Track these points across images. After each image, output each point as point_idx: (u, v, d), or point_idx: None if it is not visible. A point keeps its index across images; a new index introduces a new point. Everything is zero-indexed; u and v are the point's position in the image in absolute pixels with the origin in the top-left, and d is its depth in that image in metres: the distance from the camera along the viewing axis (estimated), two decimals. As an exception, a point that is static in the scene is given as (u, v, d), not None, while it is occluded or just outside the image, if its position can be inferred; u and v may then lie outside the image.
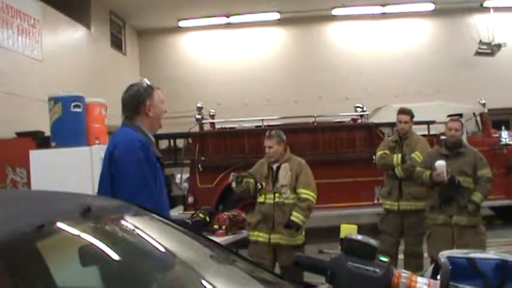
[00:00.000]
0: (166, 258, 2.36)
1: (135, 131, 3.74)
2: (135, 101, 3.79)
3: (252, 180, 6.20)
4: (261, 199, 6.11)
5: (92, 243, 2.14)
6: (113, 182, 3.65)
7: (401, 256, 7.17)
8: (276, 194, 5.99)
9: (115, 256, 2.17)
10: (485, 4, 18.05)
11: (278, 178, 5.99)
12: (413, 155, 6.99)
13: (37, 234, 1.79)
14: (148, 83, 3.87)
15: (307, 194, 5.92)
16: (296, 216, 5.83)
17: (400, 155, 7.06)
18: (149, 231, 2.46)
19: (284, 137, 6.12)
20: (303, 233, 6.05)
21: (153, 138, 3.85)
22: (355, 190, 10.75)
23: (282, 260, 6.01)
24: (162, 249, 2.39)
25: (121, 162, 3.64)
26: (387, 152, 7.22)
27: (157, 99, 3.80)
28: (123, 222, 2.43)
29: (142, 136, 3.72)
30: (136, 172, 3.57)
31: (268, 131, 6.30)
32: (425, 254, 6.96)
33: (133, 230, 2.40)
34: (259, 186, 6.13)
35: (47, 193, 2.51)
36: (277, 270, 5.97)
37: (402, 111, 7.25)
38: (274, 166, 6.06)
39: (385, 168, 7.33)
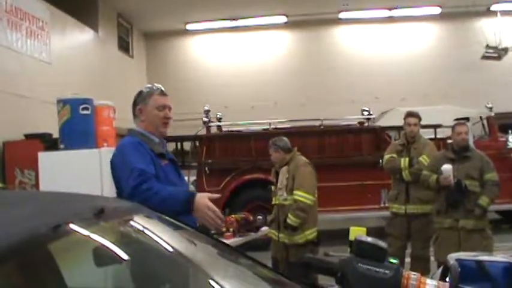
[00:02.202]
0: (178, 259, 2.39)
1: (133, 136, 3.80)
2: (133, 105, 3.91)
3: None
4: (272, 201, 6.62)
5: (106, 244, 2.17)
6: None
7: (407, 259, 7.18)
8: (277, 197, 6.42)
9: (128, 257, 2.20)
10: (492, 8, 18.03)
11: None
12: (420, 158, 7.00)
13: (53, 234, 1.82)
14: (155, 86, 3.90)
15: (297, 195, 6.18)
16: (289, 218, 6.16)
17: (407, 159, 7.07)
18: (161, 233, 2.48)
19: (281, 143, 6.49)
20: (306, 232, 6.28)
21: (156, 140, 3.82)
22: (362, 193, 10.75)
23: (289, 256, 6.36)
24: (174, 250, 2.42)
25: (113, 162, 3.73)
26: (394, 155, 7.23)
27: (152, 105, 3.80)
28: (135, 223, 2.46)
29: (140, 138, 3.74)
30: (125, 162, 3.59)
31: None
32: (432, 258, 6.98)
33: (146, 231, 2.42)
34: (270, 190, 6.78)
35: (60, 194, 2.53)
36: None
37: (410, 114, 7.26)
38: (279, 171, 6.47)
39: (392, 172, 7.34)
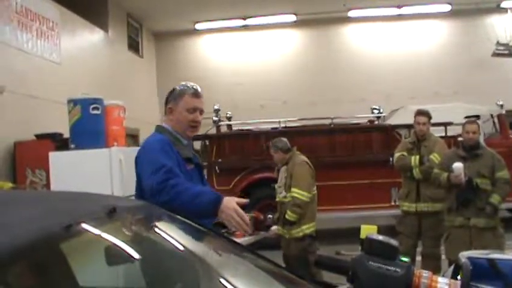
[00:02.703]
0: (189, 258, 2.40)
1: (160, 133, 3.64)
2: (165, 102, 3.73)
3: None
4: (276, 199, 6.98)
5: (118, 243, 2.18)
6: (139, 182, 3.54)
7: (418, 258, 7.17)
8: (278, 194, 6.81)
9: (140, 256, 2.21)
10: (502, 5, 17.92)
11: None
12: (431, 156, 6.98)
13: (65, 234, 1.83)
14: (189, 86, 3.70)
15: (294, 192, 6.47)
16: (287, 214, 6.48)
17: (417, 157, 7.05)
18: (172, 231, 2.49)
19: (280, 144, 6.82)
20: (303, 227, 6.54)
21: (184, 141, 3.67)
22: (372, 192, 10.73)
23: (290, 250, 6.68)
24: (185, 249, 2.43)
25: (139, 158, 3.54)
26: (405, 153, 7.21)
27: (182, 106, 3.60)
28: (147, 222, 2.47)
29: (167, 137, 3.58)
30: (152, 159, 3.38)
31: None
32: (443, 256, 6.96)
33: (157, 230, 2.43)
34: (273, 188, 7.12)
35: (72, 194, 2.55)
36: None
37: (420, 113, 7.24)
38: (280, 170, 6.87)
39: (402, 169, 7.32)
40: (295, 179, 6.53)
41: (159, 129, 3.70)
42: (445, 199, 6.74)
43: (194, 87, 3.69)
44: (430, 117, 7.23)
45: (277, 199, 6.88)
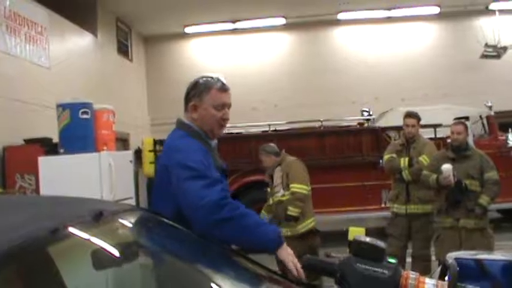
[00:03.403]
0: (177, 261, 2.39)
1: (188, 134, 3.10)
2: (185, 97, 3.19)
3: None
4: (270, 202, 7.06)
5: (105, 247, 2.17)
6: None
7: (409, 259, 7.18)
8: (275, 195, 6.85)
9: (127, 260, 2.21)
10: (490, 7, 17.99)
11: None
12: (420, 158, 7.01)
13: (51, 238, 1.83)
14: (214, 78, 3.20)
15: (294, 187, 6.62)
16: (290, 210, 6.55)
17: (407, 159, 7.07)
18: (160, 235, 2.49)
19: (270, 148, 7.02)
20: (307, 221, 6.67)
21: (213, 144, 3.21)
22: (362, 194, 10.76)
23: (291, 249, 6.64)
24: (173, 253, 2.42)
25: (176, 165, 2.94)
26: (394, 155, 7.23)
27: (209, 102, 3.11)
28: (133, 226, 2.46)
29: (198, 141, 3.07)
30: (201, 170, 2.88)
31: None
32: (433, 257, 6.97)
33: (144, 234, 2.43)
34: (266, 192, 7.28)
35: (59, 198, 2.54)
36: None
37: (409, 115, 7.26)
38: (273, 173, 6.94)
39: (392, 171, 7.34)
40: (293, 175, 6.70)
41: (186, 129, 3.16)
42: (435, 201, 6.76)
43: (220, 79, 3.21)
44: (419, 119, 7.25)
45: (271, 201, 6.97)
